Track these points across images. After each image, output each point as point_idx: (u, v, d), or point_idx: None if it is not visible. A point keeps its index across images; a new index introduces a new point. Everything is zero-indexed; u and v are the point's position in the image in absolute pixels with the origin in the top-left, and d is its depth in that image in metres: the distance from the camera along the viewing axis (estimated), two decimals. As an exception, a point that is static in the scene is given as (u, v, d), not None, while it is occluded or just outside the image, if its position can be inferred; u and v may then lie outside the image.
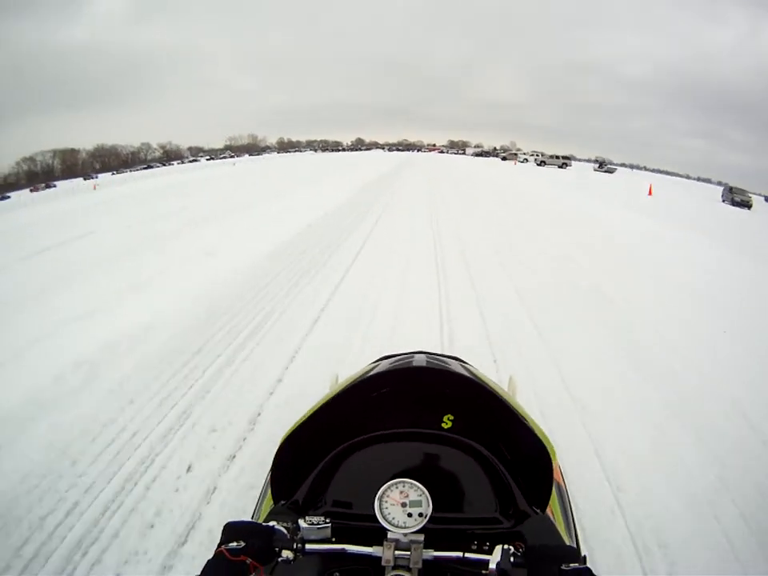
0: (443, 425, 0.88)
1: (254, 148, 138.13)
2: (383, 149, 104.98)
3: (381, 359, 1.27)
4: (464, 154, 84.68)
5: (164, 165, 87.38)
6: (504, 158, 53.22)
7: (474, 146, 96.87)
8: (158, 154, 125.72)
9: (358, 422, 0.90)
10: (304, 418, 0.91)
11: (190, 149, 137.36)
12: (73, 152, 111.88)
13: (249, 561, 0.63)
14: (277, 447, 0.88)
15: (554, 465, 0.92)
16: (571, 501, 1.07)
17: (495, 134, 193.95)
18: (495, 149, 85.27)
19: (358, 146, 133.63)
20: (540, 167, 38.80)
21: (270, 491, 0.88)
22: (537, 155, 45.23)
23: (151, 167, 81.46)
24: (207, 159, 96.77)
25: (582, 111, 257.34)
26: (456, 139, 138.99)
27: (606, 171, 43.67)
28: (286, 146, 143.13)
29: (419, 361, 1.06)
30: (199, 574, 0.61)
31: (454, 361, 1.22)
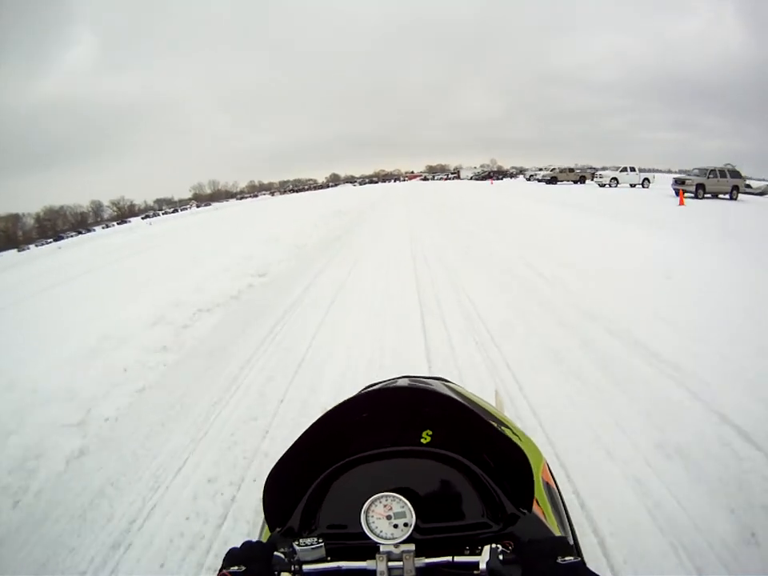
0: (422, 440, 0.91)
1: (221, 195, 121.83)
2: (353, 183, 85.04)
3: (366, 387, 1.31)
4: (457, 177, 64.43)
5: (80, 233, 66.91)
6: (553, 180, 28.81)
7: (454, 169, 75.92)
8: (113, 211, 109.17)
9: (341, 445, 0.92)
10: (288, 449, 0.93)
11: (157, 201, 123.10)
12: (15, 218, 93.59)
13: None
14: (264, 480, 0.88)
15: (541, 465, 1.03)
16: (564, 498, 1.07)
17: (473, 154, 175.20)
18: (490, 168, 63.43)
19: (332, 182, 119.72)
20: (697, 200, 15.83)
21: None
22: (642, 173, 23.20)
23: (61, 238, 61.80)
24: (143, 218, 76.11)
25: (556, 120, 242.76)
26: (434, 164, 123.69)
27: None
28: (256, 190, 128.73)
29: (401, 384, 1.13)
30: None
31: (437, 381, 1.26)
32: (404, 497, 0.76)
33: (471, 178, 55.99)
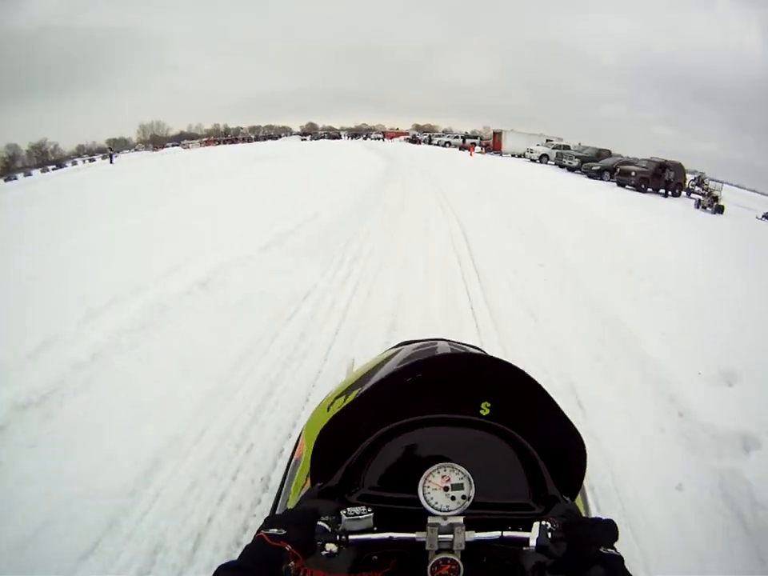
0: (481, 411, 0.87)
1: (165, 139, 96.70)
2: (304, 138, 57.91)
3: (401, 344, 1.35)
4: (487, 148, 31.68)
5: None
6: None
7: (447, 133, 49.34)
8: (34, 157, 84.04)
9: (397, 408, 0.88)
10: (343, 404, 0.91)
11: (109, 141, 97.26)
12: None
13: (288, 548, 0.61)
14: (319, 430, 0.85)
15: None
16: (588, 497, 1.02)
17: (464, 118, 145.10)
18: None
19: (310, 131, 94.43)
20: None
21: (297, 475, 0.90)
22: None
23: None
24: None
25: (551, 93, 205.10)
26: (422, 123, 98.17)
27: None
28: (221, 134, 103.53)
29: (443, 348, 1.14)
30: (239, 557, 0.61)
31: (474, 350, 1.24)
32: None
33: (541, 159, 24.66)
